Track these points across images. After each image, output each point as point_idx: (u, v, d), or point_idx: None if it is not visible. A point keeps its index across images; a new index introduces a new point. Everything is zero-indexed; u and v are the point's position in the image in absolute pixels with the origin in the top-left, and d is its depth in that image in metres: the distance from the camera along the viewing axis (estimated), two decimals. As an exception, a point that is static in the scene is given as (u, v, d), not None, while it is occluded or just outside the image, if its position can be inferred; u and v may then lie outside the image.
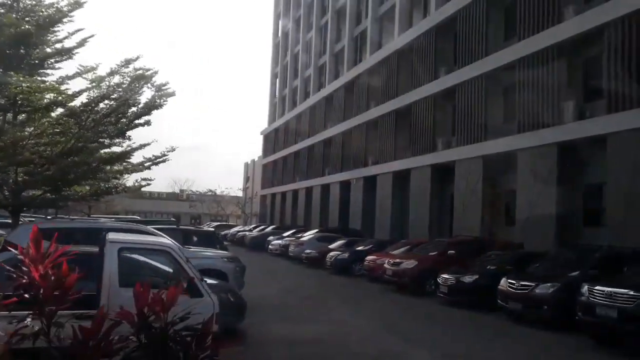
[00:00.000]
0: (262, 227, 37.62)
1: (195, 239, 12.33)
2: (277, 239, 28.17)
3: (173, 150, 14.06)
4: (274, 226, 36.41)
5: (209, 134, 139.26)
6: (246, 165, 71.77)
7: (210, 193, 70.98)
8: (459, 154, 20.98)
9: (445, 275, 12.40)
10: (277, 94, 55.82)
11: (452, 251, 14.18)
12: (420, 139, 24.34)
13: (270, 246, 27.80)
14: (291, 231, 29.84)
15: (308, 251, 21.52)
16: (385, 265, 15.11)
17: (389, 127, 27.87)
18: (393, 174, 26.74)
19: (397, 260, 14.83)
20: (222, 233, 44.94)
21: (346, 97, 34.82)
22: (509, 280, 10.34)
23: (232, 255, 10.33)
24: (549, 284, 9.57)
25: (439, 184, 23.39)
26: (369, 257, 17.20)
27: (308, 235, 24.78)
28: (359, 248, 19.50)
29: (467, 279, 11.86)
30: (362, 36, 34.73)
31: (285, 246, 25.05)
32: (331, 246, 21.31)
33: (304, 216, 40.95)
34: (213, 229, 13.04)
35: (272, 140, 54.44)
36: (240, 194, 72.33)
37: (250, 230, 37.42)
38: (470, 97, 20.76)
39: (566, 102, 16.31)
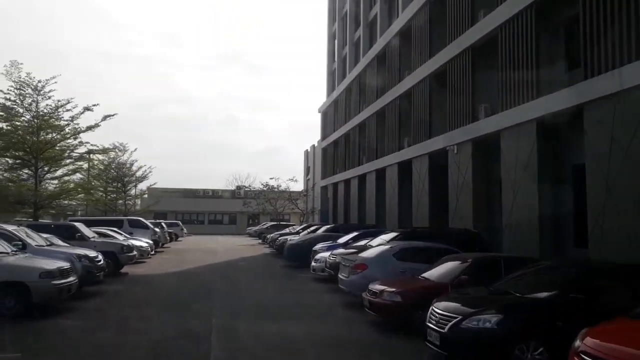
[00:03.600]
0: (314, 227, 25.87)
1: None
2: (327, 248, 16.39)
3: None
4: (328, 226, 24.52)
5: (281, 127, 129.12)
6: (306, 153, 60.54)
7: (266, 188, 59.71)
8: None
9: None
10: (335, 57, 43.91)
11: None
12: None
13: (314, 263, 16.02)
14: (351, 235, 17.87)
15: (378, 287, 9.18)
16: None
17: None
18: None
19: None
20: (269, 237, 33.81)
21: (432, 24, 22.27)
22: None
23: None
24: None
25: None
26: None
27: (377, 245, 12.51)
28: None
29: None
30: None
31: (335, 266, 13.10)
32: (433, 276, 9.07)
33: (375, 210, 28.73)
34: None
35: (332, 116, 42.67)
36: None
37: (297, 233, 25.86)
38: None
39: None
